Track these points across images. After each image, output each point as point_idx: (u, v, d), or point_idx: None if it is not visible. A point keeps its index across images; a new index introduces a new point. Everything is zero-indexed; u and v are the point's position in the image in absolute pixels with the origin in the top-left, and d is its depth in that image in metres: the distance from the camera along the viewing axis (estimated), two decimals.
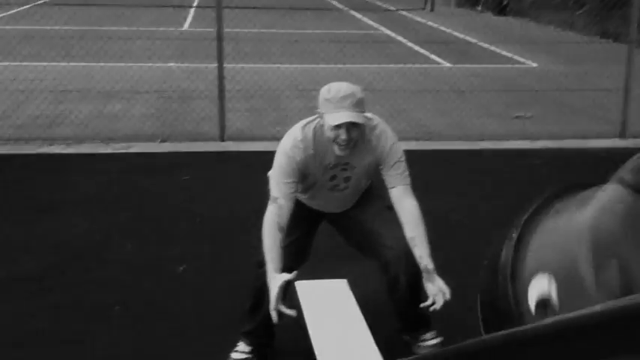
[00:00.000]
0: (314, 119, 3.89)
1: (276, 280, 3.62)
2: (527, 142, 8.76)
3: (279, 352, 4.32)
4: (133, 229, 5.88)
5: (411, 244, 3.88)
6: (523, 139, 8.87)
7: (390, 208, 4.09)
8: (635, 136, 8.99)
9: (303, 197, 4.17)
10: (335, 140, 3.76)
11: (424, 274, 3.79)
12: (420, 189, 6.76)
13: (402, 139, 8.28)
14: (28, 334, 4.33)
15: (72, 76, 11.61)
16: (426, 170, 7.61)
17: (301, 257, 4.17)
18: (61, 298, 4.76)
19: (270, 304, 3.60)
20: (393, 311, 4.33)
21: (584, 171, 7.66)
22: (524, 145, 8.62)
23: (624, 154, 8.29)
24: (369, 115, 3.93)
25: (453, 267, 5.14)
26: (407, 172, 4.03)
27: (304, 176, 3.93)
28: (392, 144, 3.98)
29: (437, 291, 3.74)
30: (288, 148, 3.86)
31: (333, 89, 3.71)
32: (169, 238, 5.72)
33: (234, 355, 4.36)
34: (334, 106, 3.68)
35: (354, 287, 4.78)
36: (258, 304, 4.15)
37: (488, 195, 6.85)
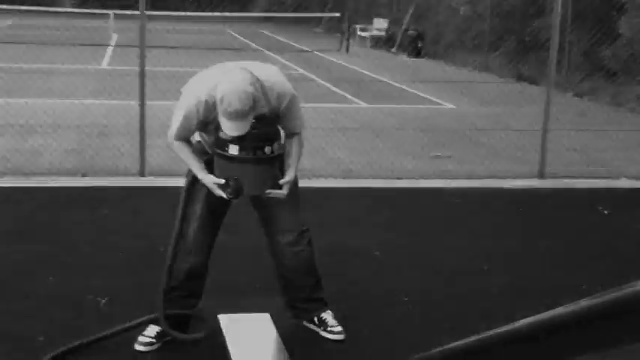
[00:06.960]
0: (213, 87, 4.16)
1: (208, 177, 4.27)
2: (445, 180, 8.93)
3: None
4: (55, 262, 5.83)
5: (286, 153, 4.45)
6: (441, 178, 9.05)
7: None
8: (553, 176, 9.18)
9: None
10: None
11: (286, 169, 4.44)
12: (339, 225, 6.92)
13: (320, 176, 8.48)
14: None
15: None
16: (345, 207, 7.74)
17: (213, 235, 4.61)
18: None
19: (209, 182, 4.28)
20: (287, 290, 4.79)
21: (502, 210, 7.85)
22: (442, 184, 8.78)
23: (542, 195, 8.62)
24: (264, 76, 4.25)
25: (362, 298, 5.27)
26: (301, 122, 4.51)
27: (204, 125, 4.31)
28: (288, 102, 4.34)
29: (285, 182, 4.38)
30: (192, 105, 4.25)
31: (225, 102, 4.00)
32: (91, 271, 5.69)
33: (140, 338, 4.54)
34: (226, 117, 4.03)
35: (277, 321, 4.88)
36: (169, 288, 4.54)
37: (405, 232, 6.99)
